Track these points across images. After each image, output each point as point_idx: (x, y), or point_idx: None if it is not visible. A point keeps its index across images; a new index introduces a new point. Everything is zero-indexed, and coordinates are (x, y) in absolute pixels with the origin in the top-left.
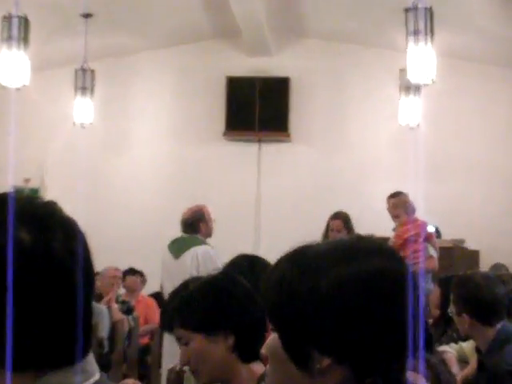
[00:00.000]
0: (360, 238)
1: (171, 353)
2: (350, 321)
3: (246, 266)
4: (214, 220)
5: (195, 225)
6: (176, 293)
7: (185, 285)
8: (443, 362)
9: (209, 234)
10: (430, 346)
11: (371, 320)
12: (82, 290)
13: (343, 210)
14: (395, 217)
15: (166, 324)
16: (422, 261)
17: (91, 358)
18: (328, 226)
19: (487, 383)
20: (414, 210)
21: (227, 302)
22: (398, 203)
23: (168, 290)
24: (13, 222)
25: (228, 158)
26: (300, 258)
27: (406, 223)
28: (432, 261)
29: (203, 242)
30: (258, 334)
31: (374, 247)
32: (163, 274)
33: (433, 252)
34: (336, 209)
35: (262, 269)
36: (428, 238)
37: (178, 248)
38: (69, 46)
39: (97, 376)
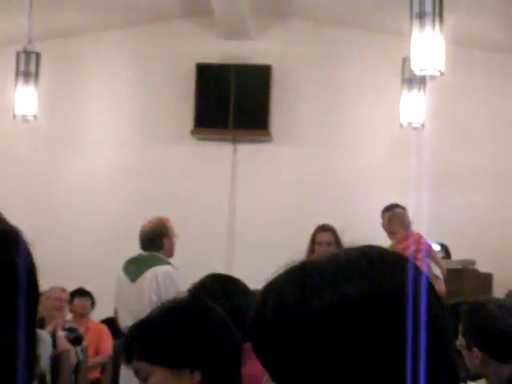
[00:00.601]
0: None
1: None
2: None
3: (218, 287)
4: (177, 236)
5: (157, 241)
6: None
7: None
8: None
9: (171, 253)
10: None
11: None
12: (23, 313)
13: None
14: (391, 233)
15: (125, 355)
16: None
17: None
18: (313, 239)
19: None
20: (410, 225)
21: (196, 331)
22: (394, 217)
23: (123, 317)
24: None
25: (197, 161)
26: (304, 275)
27: (404, 239)
28: (437, 283)
29: (165, 262)
30: (231, 370)
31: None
32: (118, 299)
33: (438, 272)
34: (323, 221)
35: (238, 292)
36: (430, 254)
37: (135, 270)
38: (10, 24)
39: None
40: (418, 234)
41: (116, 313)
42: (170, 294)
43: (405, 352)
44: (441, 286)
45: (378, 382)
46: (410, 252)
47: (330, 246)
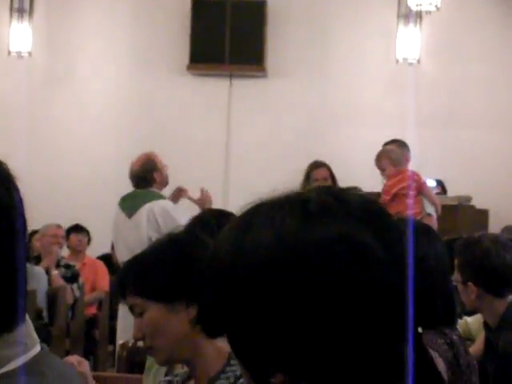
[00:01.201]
0: (337, 190)
1: (126, 326)
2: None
3: (214, 223)
4: (167, 166)
5: (148, 176)
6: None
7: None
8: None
9: (164, 184)
10: (452, 318)
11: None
12: (13, 247)
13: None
14: (381, 170)
15: (119, 290)
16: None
17: (29, 329)
18: (308, 176)
19: (496, 364)
20: (402, 162)
21: (190, 265)
22: (381, 154)
23: (120, 252)
24: None
25: (193, 96)
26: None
27: (393, 176)
28: (430, 220)
29: (160, 196)
30: None
31: (353, 203)
32: (115, 235)
33: (430, 210)
34: (319, 157)
35: None
36: (422, 189)
37: (130, 205)
38: None
39: (37, 348)
40: (411, 170)
41: (113, 248)
42: (168, 228)
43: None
44: (433, 223)
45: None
46: (398, 187)
47: (326, 182)
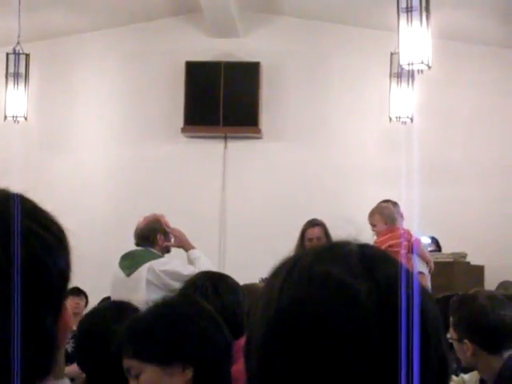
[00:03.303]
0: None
1: None
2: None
3: (210, 286)
4: (177, 231)
5: (151, 237)
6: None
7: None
8: None
9: (167, 250)
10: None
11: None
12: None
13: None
14: (372, 225)
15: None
16: None
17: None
18: (303, 235)
19: None
20: (395, 220)
21: (186, 328)
22: (374, 210)
23: None
24: None
25: (188, 159)
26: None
27: (384, 233)
28: (422, 278)
29: (160, 256)
30: (222, 368)
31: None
32: (113, 294)
33: (423, 268)
34: (313, 216)
35: (229, 289)
36: (414, 247)
37: (130, 263)
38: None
39: None
40: (403, 228)
41: None
42: (168, 287)
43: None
44: (425, 282)
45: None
46: (387, 245)
47: (320, 241)
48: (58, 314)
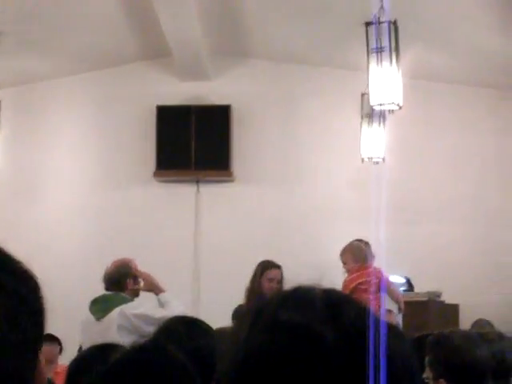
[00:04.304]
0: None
1: None
2: None
3: (183, 331)
4: (146, 274)
5: (121, 282)
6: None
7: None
8: None
9: (136, 293)
10: None
11: None
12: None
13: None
14: (343, 263)
15: None
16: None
17: None
18: (262, 273)
19: None
20: (365, 259)
21: (153, 379)
22: (346, 248)
23: None
24: None
25: (160, 203)
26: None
27: (353, 271)
28: (390, 317)
29: (130, 300)
30: None
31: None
32: (84, 339)
33: (391, 306)
34: (288, 259)
35: (203, 335)
36: (385, 286)
37: (100, 308)
38: None
39: None
40: (374, 267)
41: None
42: (140, 331)
43: None
44: (393, 320)
45: None
46: (356, 283)
47: (279, 284)
48: (34, 366)
